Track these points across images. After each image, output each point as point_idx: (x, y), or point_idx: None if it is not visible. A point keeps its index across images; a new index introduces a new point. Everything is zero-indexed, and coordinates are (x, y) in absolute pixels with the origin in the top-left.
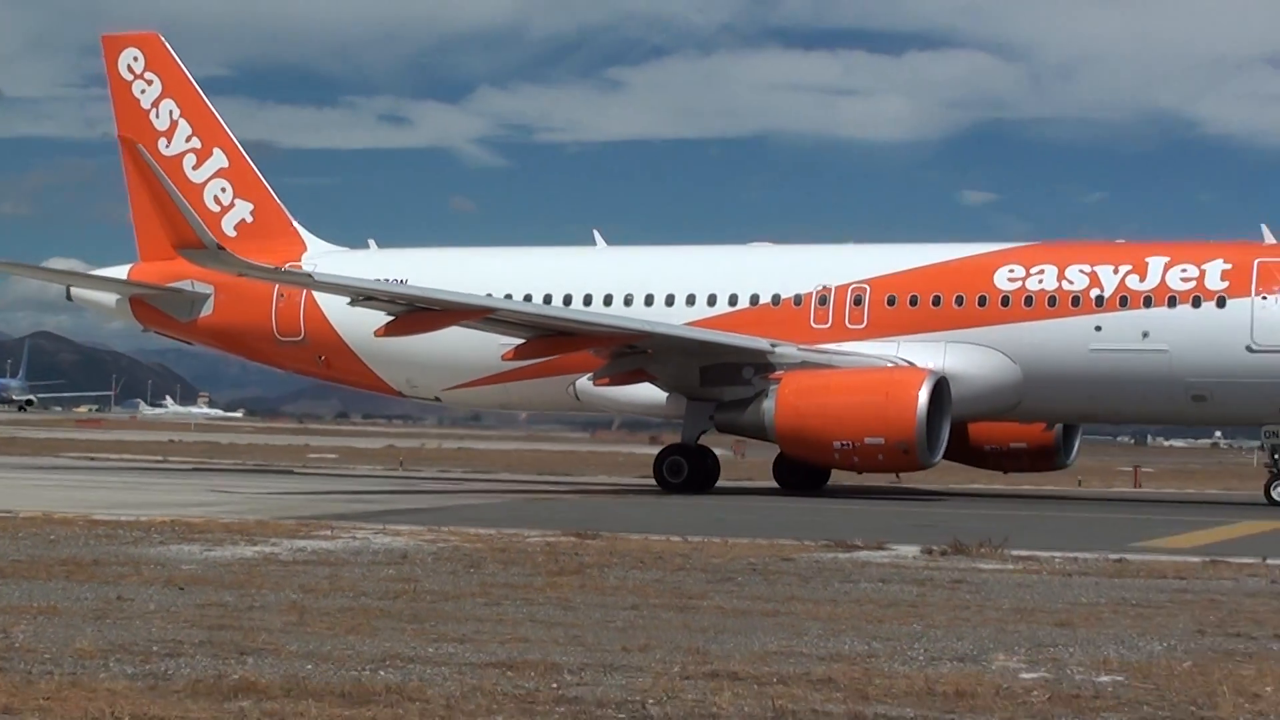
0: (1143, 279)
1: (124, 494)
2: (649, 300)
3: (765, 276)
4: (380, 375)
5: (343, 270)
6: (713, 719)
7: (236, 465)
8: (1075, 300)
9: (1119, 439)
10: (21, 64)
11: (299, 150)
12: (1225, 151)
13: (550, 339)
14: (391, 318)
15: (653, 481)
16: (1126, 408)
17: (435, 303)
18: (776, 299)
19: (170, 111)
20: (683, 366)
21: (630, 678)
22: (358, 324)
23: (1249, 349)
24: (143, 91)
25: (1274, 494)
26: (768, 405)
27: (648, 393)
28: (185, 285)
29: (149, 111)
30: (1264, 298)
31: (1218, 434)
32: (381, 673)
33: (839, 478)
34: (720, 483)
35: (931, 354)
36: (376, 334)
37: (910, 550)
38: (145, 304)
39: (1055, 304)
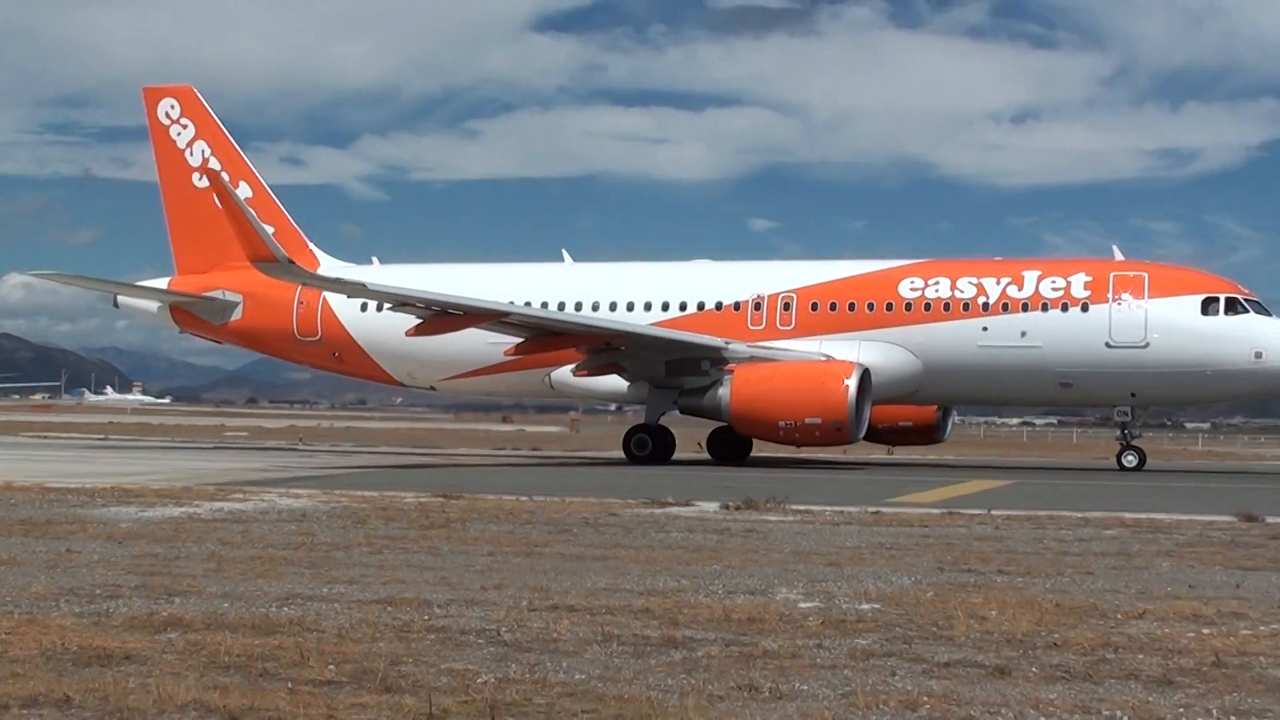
0: (1020, 288)
1: (72, 466)
2: (613, 306)
3: (710, 286)
4: (385, 369)
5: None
6: (554, 643)
7: (165, 443)
8: (965, 306)
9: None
10: None
11: None
12: (957, 189)
13: (544, 338)
14: (419, 320)
15: (620, 454)
16: (1007, 393)
17: (462, 307)
18: (719, 305)
19: (202, 150)
20: (651, 360)
21: (487, 611)
22: (367, 326)
23: (1107, 345)
24: (179, 135)
25: (1123, 461)
26: (723, 392)
27: (614, 382)
28: (218, 294)
29: (184, 151)
30: (1119, 304)
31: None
32: (285, 609)
33: (760, 448)
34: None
35: (849, 350)
36: (407, 334)
37: (711, 506)
38: (183, 310)
39: (949, 309)
